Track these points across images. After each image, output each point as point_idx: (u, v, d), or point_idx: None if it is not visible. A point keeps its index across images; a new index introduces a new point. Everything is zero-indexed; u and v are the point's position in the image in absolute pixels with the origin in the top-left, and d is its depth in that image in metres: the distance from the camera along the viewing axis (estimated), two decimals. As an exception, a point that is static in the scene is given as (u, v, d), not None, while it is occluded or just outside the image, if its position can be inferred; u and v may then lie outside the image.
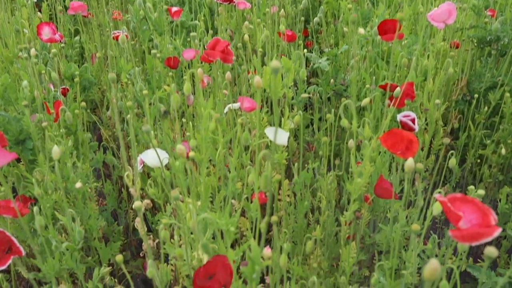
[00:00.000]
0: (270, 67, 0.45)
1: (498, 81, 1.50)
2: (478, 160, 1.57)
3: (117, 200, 1.46)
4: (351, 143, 0.96)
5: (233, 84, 1.60)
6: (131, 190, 1.08)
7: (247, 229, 1.17)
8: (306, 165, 1.18)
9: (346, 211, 1.02)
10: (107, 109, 1.67)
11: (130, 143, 1.37)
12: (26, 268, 1.14)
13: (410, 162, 0.75)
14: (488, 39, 1.51)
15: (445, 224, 1.53)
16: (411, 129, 1.06)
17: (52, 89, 1.30)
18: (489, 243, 0.58)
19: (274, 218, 0.64)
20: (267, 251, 0.67)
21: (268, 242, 1.25)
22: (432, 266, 0.46)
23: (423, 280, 0.98)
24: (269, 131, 0.91)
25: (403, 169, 1.06)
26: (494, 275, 1.06)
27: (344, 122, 0.92)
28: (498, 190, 1.51)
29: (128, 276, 0.80)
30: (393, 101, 1.05)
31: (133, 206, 0.76)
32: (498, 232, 0.57)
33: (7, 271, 1.17)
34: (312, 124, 1.53)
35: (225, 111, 1.11)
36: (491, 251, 0.53)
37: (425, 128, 1.36)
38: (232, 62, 1.09)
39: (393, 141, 0.86)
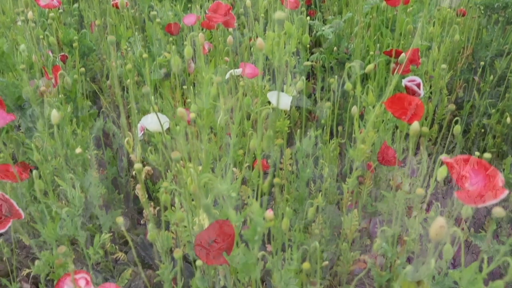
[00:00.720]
0: (274, 18, 0.43)
1: (505, 50, 1.47)
2: (482, 130, 1.56)
3: (118, 168, 1.45)
4: (354, 109, 0.94)
5: (234, 54, 1.58)
6: (132, 156, 1.07)
7: (248, 197, 1.16)
8: (308, 133, 1.16)
9: (349, 179, 1.01)
10: (107, 78, 1.65)
11: (130, 112, 1.36)
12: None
13: (415, 125, 0.73)
14: (495, 6, 1.48)
15: (447, 194, 1.52)
16: (416, 94, 1.05)
17: (51, 55, 1.28)
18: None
19: (277, 180, 0.63)
20: (269, 212, 0.66)
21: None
22: (439, 223, 0.45)
23: (423, 249, 0.98)
24: (272, 95, 0.90)
25: (406, 137, 1.05)
26: (495, 242, 1.05)
27: (348, 87, 0.90)
28: (502, 160, 1.50)
29: (130, 241, 0.80)
30: (397, 67, 1.03)
31: (134, 169, 0.75)
32: (504, 194, 0.56)
33: (10, 241, 1.17)
34: (315, 94, 1.51)
35: (226, 77, 1.09)
36: (499, 211, 0.52)
37: (429, 97, 1.34)
38: (234, 26, 1.07)
39: (397, 106, 0.84)
